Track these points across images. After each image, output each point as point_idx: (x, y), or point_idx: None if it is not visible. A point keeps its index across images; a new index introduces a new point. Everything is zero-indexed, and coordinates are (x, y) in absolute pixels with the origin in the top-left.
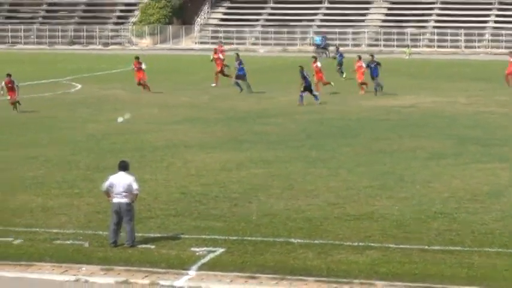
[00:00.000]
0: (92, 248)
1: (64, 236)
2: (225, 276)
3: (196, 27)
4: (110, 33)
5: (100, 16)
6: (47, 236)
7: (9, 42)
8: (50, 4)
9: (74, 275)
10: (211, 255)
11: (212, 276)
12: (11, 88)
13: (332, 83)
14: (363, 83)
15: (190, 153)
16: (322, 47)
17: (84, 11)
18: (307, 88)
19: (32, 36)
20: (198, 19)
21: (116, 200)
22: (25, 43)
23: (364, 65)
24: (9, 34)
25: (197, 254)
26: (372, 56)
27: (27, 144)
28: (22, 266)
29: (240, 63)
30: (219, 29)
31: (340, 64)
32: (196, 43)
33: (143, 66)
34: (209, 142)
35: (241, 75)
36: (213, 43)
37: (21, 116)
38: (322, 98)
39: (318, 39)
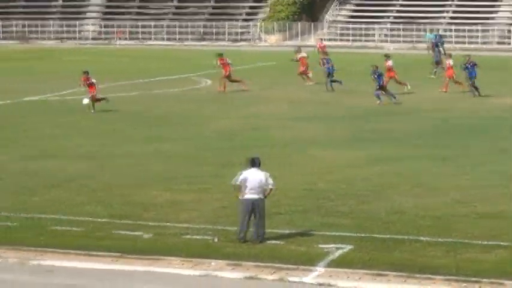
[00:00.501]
0: (221, 244)
1: (193, 231)
2: (354, 273)
3: (325, 24)
4: (239, 30)
5: (229, 12)
6: (176, 230)
7: (139, 39)
8: (180, 0)
9: (204, 270)
10: (340, 252)
11: (340, 273)
12: (90, 85)
13: (408, 86)
14: (456, 82)
15: (316, 150)
16: (438, 44)
17: (214, 7)
18: (382, 87)
19: (162, 32)
20: (327, 16)
21: (249, 196)
22: (155, 39)
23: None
24: (140, 30)
25: (325, 250)
26: (469, 56)
27: (156, 139)
28: (151, 260)
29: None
30: (347, 25)
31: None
32: (324, 40)
33: (229, 61)
34: (334, 139)
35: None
36: (341, 40)
37: (150, 111)
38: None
39: (431, 35)
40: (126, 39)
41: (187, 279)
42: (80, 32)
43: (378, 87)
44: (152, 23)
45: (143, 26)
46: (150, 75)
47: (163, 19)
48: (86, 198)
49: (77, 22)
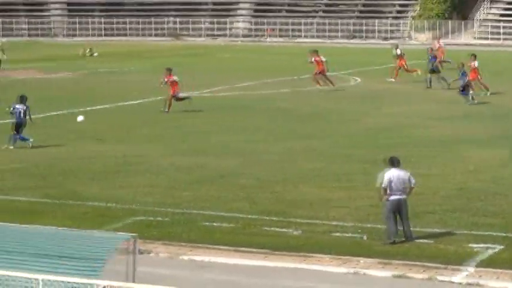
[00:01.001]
0: (370, 242)
1: (343, 229)
2: (504, 274)
3: (476, 23)
4: (389, 28)
5: (379, 10)
6: (326, 228)
7: (289, 36)
8: None
9: (352, 268)
10: (490, 252)
11: (490, 273)
12: (172, 82)
13: (488, 92)
14: None
15: (465, 149)
16: None
17: (364, 5)
18: (464, 86)
19: (312, 30)
20: (477, 14)
21: (395, 196)
22: (305, 37)
23: None
24: (290, 28)
25: (475, 250)
26: None
27: (306, 136)
28: (301, 257)
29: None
30: (498, 24)
31: None
32: (475, 38)
33: (323, 58)
34: (482, 138)
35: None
36: (492, 38)
37: (299, 108)
38: None
39: None
40: (276, 36)
41: (336, 276)
42: (230, 29)
43: (461, 87)
44: (302, 21)
45: (293, 24)
46: (300, 72)
47: (314, 17)
48: (236, 195)
49: (228, 19)
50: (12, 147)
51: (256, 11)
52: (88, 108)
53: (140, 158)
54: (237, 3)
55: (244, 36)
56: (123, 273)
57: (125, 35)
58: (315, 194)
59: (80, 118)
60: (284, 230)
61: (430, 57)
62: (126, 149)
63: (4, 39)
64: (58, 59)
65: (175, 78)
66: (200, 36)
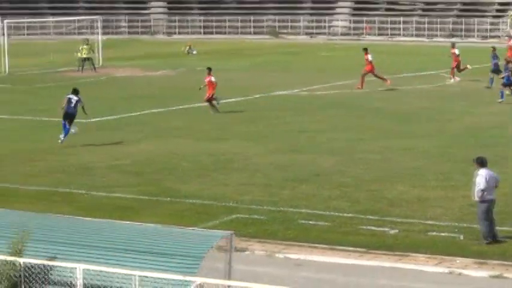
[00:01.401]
0: (466, 241)
1: (439, 228)
2: None
3: None
4: (489, 26)
5: (479, 9)
6: (422, 227)
7: (388, 34)
8: None
9: (448, 267)
10: None
11: None
12: (209, 83)
13: None
14: None
15: None
16: None
17: (463, 3)
18: (507, 84)
19: (411, 29)
20: None
21: (490, 196)
22: (404, 35)
23: None
24: (389, 26)
25: None
26: None
27: (405, 134)
28: (397, 256)
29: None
30: None
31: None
32: None
33: (370, 57)
34: None
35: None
36: None
37: (399, 107)
38: None
39: None
40: (374, 34)
41: (432, 276)
42: (329, 27)
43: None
44: (401, 19)
45: (392, 22)
46: (398, 71)
47: (413, 15)
48: (334, 193)
49: (327, 18)
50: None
51: (355, 9)
52: (186, 106)
53: (238, 156)
54: (336, 1)
55: (343, 34)
56: (219, 271)
57: (224, 33)
58: (412, 193)
59: (74, 130)
60: (380, 228)
61: (492, 56)
62: (224, 147)
63: (105, 37)
64: (157, 56)
65: (212, 78)
66: (299, 34)
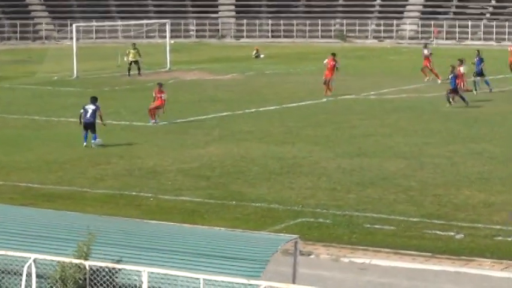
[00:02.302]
0: None
1: (505, 233)
2: None
3: None
4: None
5: None
6: (488, 232)
7: (456, 38)
8: (498, 0)
9: None
10: None
11: None
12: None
13: None
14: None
15: None
16: None
17: None
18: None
19: (479, 32)
20: None
21: None
22: (472, 39)
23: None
24: (457, 30)
25: None
26: None
27: (473, 139)
28: (462, 261)
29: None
30: None
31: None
32: None
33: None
34: None
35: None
36: None
37: (468, 111)
38: None
39: None
40: (442, 38)
41: (498, 281)
42: (397, 31)
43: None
44: (469, 23)
45: (460, 26)
46: (467, 75)
47: (481, 19)
48: (399, 197)
49: (395, 21)
50: (85, 143)
51: (423, 13)
52: (253, 110)
53: (304, 160)
54: (405, 5)
55: (411, 38)
56: (284, 275)
57: (292, 36)
58: (479, 197)
59: (98, 142)
60: (445, 233)
61: (476, 59)
62: (291, 151)
63: (172, 41)
64: (226, 60)
65: (163, 96)
66: (367, 38)
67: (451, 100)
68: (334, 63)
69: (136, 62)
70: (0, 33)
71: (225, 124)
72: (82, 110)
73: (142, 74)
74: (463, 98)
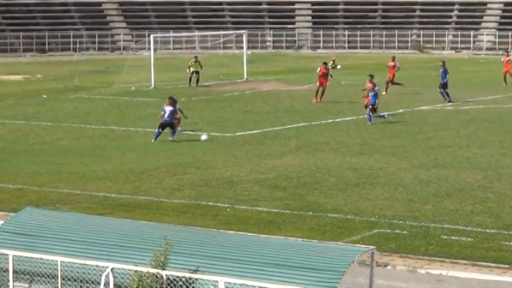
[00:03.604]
0: None
1: None
2: None
3: None
4: None
5: None
6: None
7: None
8: None
9: None
10: None
11: None
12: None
13: None
14: None
15: None
16: None
17: None
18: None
19: None
20: None
21: None
22: None
23: None
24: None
25: None
26: None
27: None
28: None
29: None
30: None
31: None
32: None
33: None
34: None
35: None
36: None
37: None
38: None
39: None
40: None
41: None
42: (474, 42)
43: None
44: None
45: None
46: None
47: None
48: (476, 208)
49: (472, 32)
50: (154, 140)
51: (501, 24)
52: (330, 120)
53: (381, 171)
54: (482, 16)
55: (488, 49)
56: (361, 286)
57: (369, 47)
58: None
59: (204, 137)
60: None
61: (442, 70)
62: (367, 162)
63: (249, 52)
64: (302, 71)
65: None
66: (444, 48)
67: None
68: (326, 71)
69: (197, 72)
70: (79, 44)
71: (302, 135)
72: (162, 111)
73: (200, 86)
74: None
